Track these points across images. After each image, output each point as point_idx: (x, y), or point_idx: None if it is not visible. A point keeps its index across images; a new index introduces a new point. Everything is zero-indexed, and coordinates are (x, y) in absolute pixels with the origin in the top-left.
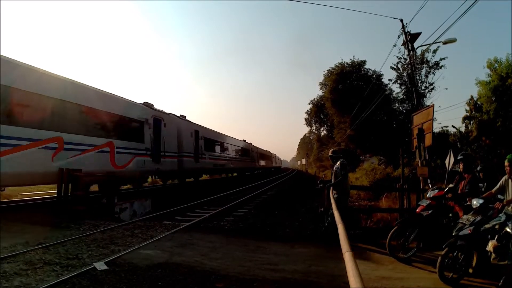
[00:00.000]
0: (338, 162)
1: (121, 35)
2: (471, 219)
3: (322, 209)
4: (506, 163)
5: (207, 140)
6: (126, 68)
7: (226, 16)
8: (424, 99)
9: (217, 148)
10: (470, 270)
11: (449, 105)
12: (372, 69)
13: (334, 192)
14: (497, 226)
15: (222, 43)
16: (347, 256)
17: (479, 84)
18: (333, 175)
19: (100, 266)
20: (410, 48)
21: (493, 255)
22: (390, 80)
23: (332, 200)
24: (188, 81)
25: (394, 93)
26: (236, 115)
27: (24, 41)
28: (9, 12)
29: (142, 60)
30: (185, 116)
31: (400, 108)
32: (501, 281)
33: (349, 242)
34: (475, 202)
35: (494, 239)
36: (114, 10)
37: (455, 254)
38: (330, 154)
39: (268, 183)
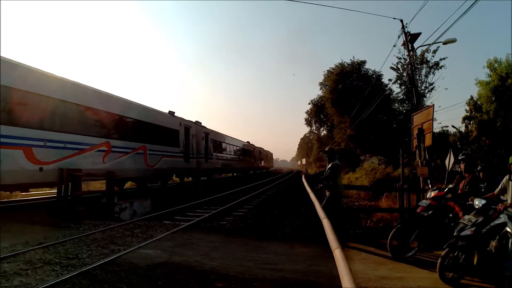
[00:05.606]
0: (330, 164)
1: (119, 33)
2: (473, 220)
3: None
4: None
5: None
6: (125, 66)
7: (224, 13)
8: (424, 99)
9: None
10: (472, 268)
11: (449, 105)
12: (372, 69)
13: (327, 192)
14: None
15: (220, 41)
16: (337, 252)
17: (479, 84)
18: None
19: None
20: (410, 48)
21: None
22: (390, 80)
23: (313, 196)
24: (186, 79)
25: (394, 93)
26: (235, 114)
27: (24, 41)
28: (9, 12)
29: (140, 58)
30: None
31: (400, 108)
32: None
33: (338, 237)
34: (477, 202)
35: (495, 239)
36: (112, 8)
37: (455, 254)
38: (326, 149)
39: (267, 183)
